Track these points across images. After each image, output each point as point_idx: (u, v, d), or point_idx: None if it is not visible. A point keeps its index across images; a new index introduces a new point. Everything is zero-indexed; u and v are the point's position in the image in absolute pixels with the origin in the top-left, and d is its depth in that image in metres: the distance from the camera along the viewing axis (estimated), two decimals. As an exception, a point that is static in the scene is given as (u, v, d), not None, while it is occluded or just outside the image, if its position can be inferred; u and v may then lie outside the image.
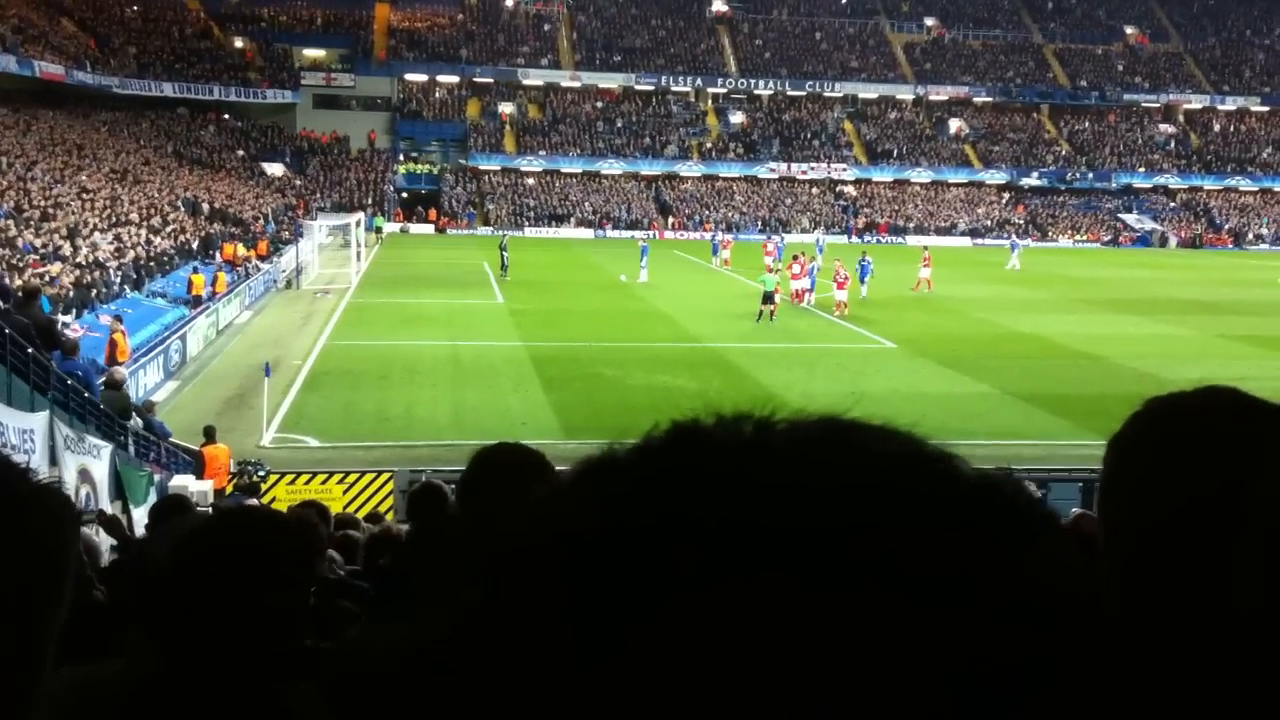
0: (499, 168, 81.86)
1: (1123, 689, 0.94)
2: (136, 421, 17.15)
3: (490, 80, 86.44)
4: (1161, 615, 1.12)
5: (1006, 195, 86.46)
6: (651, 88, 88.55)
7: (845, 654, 0.54)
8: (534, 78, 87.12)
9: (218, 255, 44.56)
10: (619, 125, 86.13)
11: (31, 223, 36.71)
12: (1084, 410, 23.35)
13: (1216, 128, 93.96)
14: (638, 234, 69.45)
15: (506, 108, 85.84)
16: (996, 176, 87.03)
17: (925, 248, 50.80)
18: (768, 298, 35.90)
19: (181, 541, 2.11)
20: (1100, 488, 1.29)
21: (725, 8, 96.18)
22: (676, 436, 0.63)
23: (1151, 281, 52.38)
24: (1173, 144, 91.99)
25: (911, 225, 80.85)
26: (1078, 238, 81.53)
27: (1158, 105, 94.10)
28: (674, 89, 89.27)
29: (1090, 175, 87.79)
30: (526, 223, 76.15)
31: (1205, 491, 1.09)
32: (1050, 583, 0.58)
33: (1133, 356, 30.68)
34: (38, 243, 34.06)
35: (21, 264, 30.47)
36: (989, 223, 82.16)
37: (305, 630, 2.17)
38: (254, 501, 12.81)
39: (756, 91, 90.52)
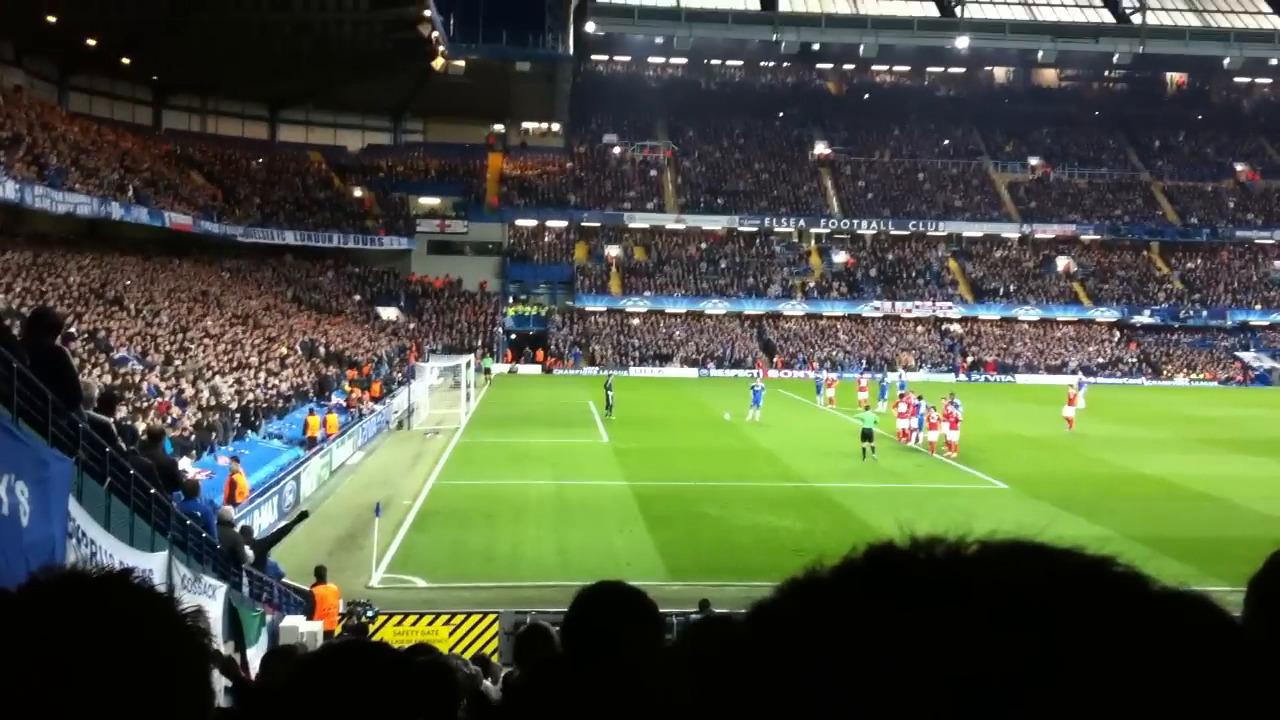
0: (604, 309, 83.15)
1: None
2: (248, 555, 17.48)
3: (597, 224, 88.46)
4: None
5: (1118, 333, 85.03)
6: (755, 229, 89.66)
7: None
8: (639, 221, 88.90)
9: (333, 396, 45.65)
10: (722, 265, 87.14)
11: (156, 366, 38.16)
12: (1207, 554, 22.55)
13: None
14: (742, 373, 69.75)
15: (613, 250, 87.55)
16: (1107, 314, 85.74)
17: (1071, 386, 51.10)
18: (867, 434, 36.12)
19: (291, 672, 2.16)
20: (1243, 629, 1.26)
21: (828, 151, 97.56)
22: (872, 556, 0.66)
23: (1273, 421, 50.71)
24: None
25: (1020, 363, 79.77)
26: (1193, 376, 79.56)
27: (1272, 242, 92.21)
28: (777, 229, 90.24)
29: (1205, 313, 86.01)
30: (631, 362, 76.91)
31: None
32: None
33: (1256, 499, 29.63)
34: (162, 386, 35.33)
35: (147, 406, 31.60)
36: (1101, 360, 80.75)
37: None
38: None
39: (860, 231, 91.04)
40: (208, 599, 13.12)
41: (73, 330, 37.64)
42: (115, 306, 44.64)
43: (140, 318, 44.65)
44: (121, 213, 55.28)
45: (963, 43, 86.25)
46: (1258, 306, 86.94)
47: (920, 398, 41.41)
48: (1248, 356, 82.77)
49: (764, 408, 46.48)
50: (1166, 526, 26.17)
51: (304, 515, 20.13)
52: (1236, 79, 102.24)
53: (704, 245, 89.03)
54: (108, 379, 32.67)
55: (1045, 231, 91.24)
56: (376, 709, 2.06)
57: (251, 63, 72.54)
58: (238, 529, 18.65)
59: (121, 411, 28.48)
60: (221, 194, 73.68)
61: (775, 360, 78.26)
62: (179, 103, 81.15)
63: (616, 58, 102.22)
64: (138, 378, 35.10)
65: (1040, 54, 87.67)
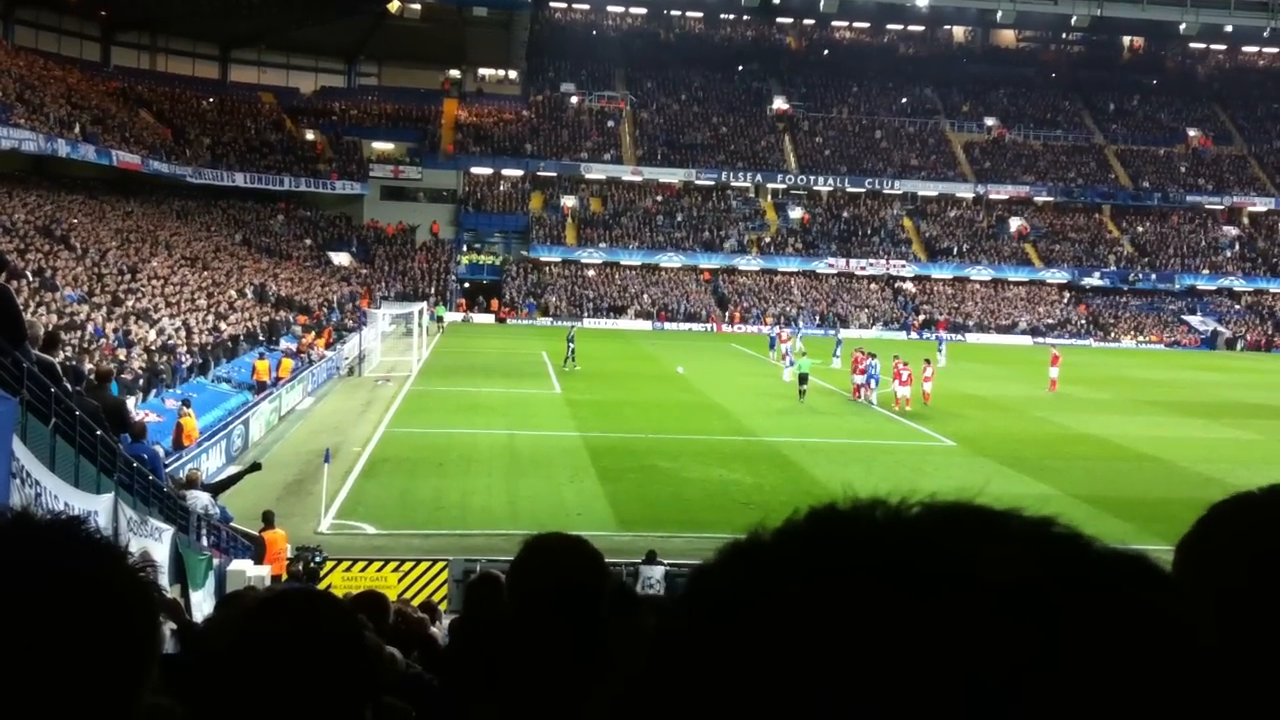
0: (559, 259, 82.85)
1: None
2: (201, 501, 17.35)
3: (553, 174, 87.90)
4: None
5: (1068, 294, 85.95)
6: (712, 183, 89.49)
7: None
8: (596, 172, 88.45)
9: (283, 342, 45.21)
10: (679, 219, 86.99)
11: (103, 307, 37.60)
12: (1148, 514, 22.92)
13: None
14: (697, 326, 69.55)
15: (569, 201, 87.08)
16: (1058, 275, 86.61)
17: (1055, 347, 52.66)
18: (803, 378, 39.07)
19: (239, 622, 2.12)
20: None
21: (786, 106, 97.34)
22: (814, 519, 0.66)
23: (1217, 384, 51.54)
24: (1237, 246, 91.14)
25: (971, 323, 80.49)
26: (1140, 339, 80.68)
27: (1221, 207, 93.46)
28: (734, 184, 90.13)
29: (1153, 276, 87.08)
30: (585, 314, 76.79)
31: (1272, 587, 1.06)
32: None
33: (1198, 460, 30.12)
34: (109, 327, 34.82)
35: (93, 347, 31.16)
36: (1050, 321, 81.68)
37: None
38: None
39: (816, 188, 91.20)
40: (154, 542, 13.02)
41: (27, 273, 36.98)
42: (61, 245, 43.88)
43: (87, 257, 43.92)
44: (68, 150, 54.25)
45: (923, 1, 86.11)
46: (1205, 271, 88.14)
47: (872, 355, 41.62)
48: (1194, 320, 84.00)
49: (712, 362, 46.63)
50: (1109, 486, 26.58)
51: (256, 466, 20.01)
52: (1192, 44, 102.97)
53: (660, 198, 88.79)
54: (53, 319, 32.16)
55: (999, 192, 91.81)
56: (323, 657, 2.03)
57: (203, 0, 71.12)
58: (184, 474, 18.52)
59: (66, 352, 28.09)
60: (171, 134, 72.44)
61: (729, 314, 78.34)
62: (128, 40, 79.53)
63: (575, 6, 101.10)
64: (83, 318, 34.59)
65: (999, 14, 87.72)
